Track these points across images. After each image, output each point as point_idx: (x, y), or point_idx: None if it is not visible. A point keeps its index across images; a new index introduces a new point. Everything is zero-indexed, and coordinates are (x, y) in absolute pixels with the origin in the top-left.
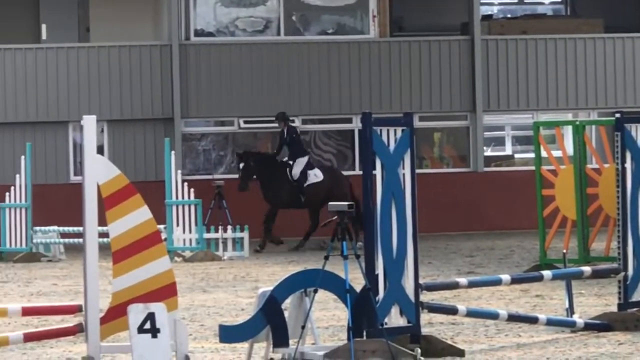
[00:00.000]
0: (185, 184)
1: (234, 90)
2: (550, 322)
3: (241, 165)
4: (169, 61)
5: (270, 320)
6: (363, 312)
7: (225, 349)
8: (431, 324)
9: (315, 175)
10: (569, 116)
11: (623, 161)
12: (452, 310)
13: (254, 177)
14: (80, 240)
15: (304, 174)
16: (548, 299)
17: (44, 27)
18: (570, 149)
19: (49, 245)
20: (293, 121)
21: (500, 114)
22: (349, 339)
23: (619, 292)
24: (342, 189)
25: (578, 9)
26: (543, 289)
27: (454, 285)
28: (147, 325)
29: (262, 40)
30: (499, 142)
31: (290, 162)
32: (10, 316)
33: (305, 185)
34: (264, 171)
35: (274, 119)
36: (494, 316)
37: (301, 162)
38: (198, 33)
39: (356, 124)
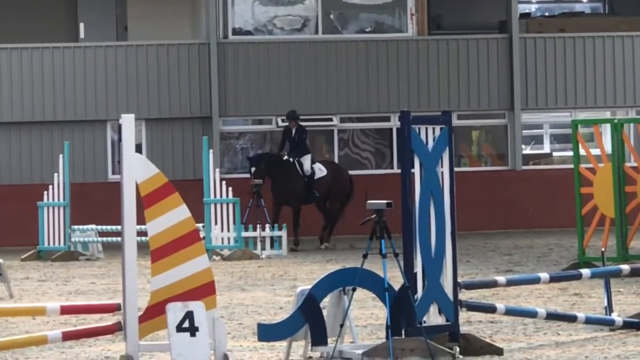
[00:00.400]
0: (224, 182)
1: (272, 88)
2: (588, 321)
3: (253, 169)
4: (207, 60)
5: (308, 318)
6: (401, 311)
7: (263, 348)
8: (470, 323)
9: (320, 170)
10: (607, 114)
11: None
12: (491, 309)
13: (266, 177)
14: (119, 238)
15: (312, 169)
16: (587, 297)
17: (82, 26)
18: (608, 147)
19: (87, 244)
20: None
21: (539, 112)
22: (387, 337)
23: None
24: (342, 183)
25: (616, 7)
26: (581, 288)
27: (493, 284)
28: (186, 324)
29: (300, 39)
30: (537, 140)
31: (296, 160)
32: (48, 315)
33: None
34: (275, 171)
35: (284, 117)
36: (532, 314)
37: (307, 158)
38: (236, 31)
39: (394, 123)
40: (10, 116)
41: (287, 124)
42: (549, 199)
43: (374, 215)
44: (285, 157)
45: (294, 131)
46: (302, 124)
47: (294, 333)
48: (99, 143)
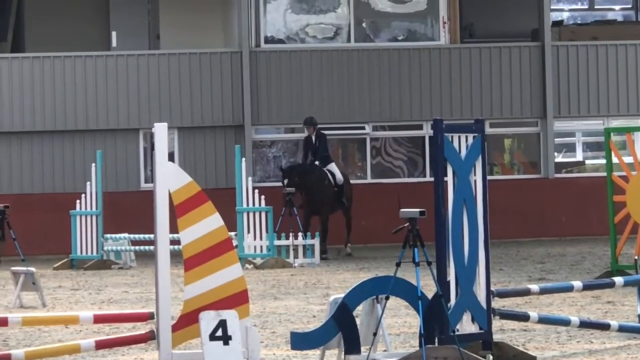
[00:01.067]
0: (256, 190)
1: (304, 97)
2: (622, 329)
3: (285, 181)
4: (240, 68)
5: (341, 327)
6: (434, 319)
7: (296, 356)
8: (503, 331)
9: (341, 180)
10: None
11: None
12: (524, 317)
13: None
14: (151, 247)
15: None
16: (620, 306)
17: (114, 34)
18: None
19: (119, 253)
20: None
21: (571, 120)
22: (420, 345)
23: None
24: (350, 190)
25: None
26: (614, 296)
27: (526, 292)
28: (219, 333)
29: (332, 47)
30: (570, 148)
31: (326, 169)
32: (81, 324)
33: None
34: (307, 182)
35: (302, 124)
36: (565, 323)
37: (334, 166)
38: (268, 40)
39: (427, 131)
40: (43, 125)
41: (306, 133)
42: (581, 207)
43: (407, 224)
44: (318, 168)
45: (314, 138)
46: (328, 131)
47: (327, 341)
48: (131, 151)
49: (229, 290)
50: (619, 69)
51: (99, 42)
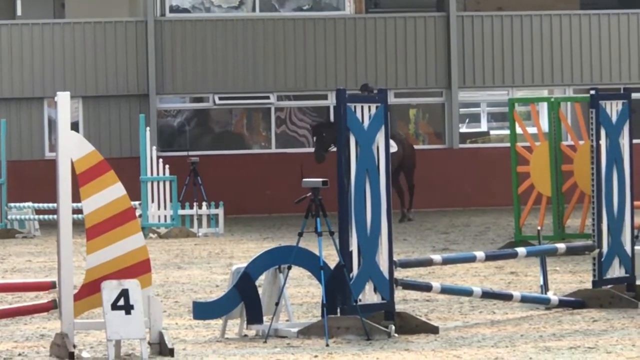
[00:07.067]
0: (160, 160)
1: (209, 66)
2: (524, 299)
3: (314, 138)
4: (144, 37)
5: (244, 296)
6: (337, 289)
7: (199, 326)
8: (405, 301)
9: (392, 146)
10: (544, 93)
11: (598, 138)
12: (427, 287)
13: (331, 148)
14: (55, 216)
15: None
16: (522, 276)
17: (19, 2)
18: (545, 126)
19: (23, 222)
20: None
21: (476, 91)
22: (322, 315)
23: (594, 269)
24: (412, 159)
25: None
26: (517, 266)
27: (429, 262)
28: (121, 302)
29: (237, 17)
30: (474, 118)
31: None
32: None
33: None
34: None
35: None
36: (468, 293)
37: None
38: (173, 9)
39: (331, 101)
40: None
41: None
42: (485, 177)
43: (310, 194)
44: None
45: None
46: (233, 101)
47: (229, 311)
48: (36, 121)
49: (131, 259)
50: (523, 39)
51: (4, 11)
